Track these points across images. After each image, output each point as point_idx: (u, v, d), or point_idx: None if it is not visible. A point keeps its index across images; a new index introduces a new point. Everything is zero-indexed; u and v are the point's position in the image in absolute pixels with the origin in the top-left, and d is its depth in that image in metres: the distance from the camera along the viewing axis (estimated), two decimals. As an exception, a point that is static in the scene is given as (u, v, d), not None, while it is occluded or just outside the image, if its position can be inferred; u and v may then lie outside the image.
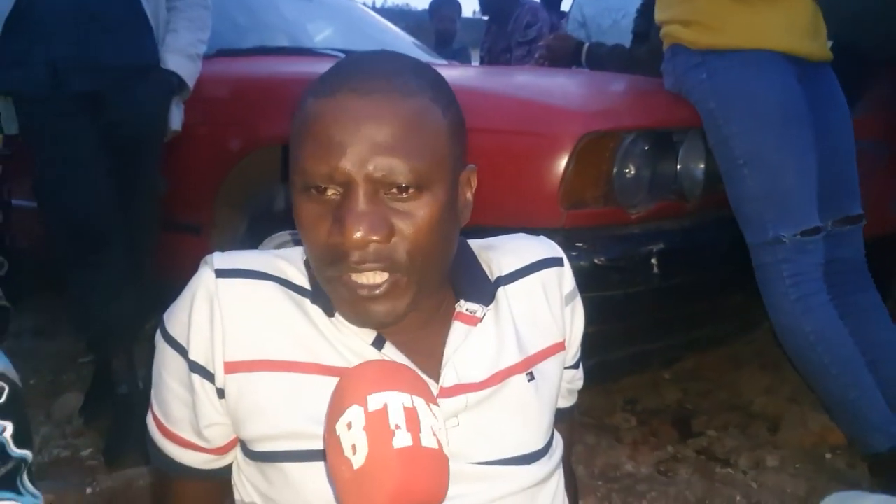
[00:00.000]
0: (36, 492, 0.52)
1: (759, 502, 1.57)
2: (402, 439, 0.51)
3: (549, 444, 0.75)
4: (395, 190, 0.63)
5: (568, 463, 0.84)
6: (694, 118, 1.67)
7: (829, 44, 1.76)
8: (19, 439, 0.52)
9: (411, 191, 0.64)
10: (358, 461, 0.51)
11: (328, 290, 0.68)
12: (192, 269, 0.73)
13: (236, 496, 0.75)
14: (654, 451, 1.78)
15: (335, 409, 0.54)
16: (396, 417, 0.52)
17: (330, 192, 0.64)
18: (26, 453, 0.52)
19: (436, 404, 0.55)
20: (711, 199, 1.71)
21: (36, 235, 2.16)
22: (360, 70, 0.66)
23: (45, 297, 2.41)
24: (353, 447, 0.51)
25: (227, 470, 0.75)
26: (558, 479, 0.76)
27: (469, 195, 0.73)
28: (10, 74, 1.72)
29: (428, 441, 0.52)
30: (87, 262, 1.78)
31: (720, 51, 1.63)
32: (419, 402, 0.53)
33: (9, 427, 0.51)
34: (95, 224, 1.77)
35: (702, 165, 1.69)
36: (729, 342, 2.15)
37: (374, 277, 0.64)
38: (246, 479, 0.73)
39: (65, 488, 1.57)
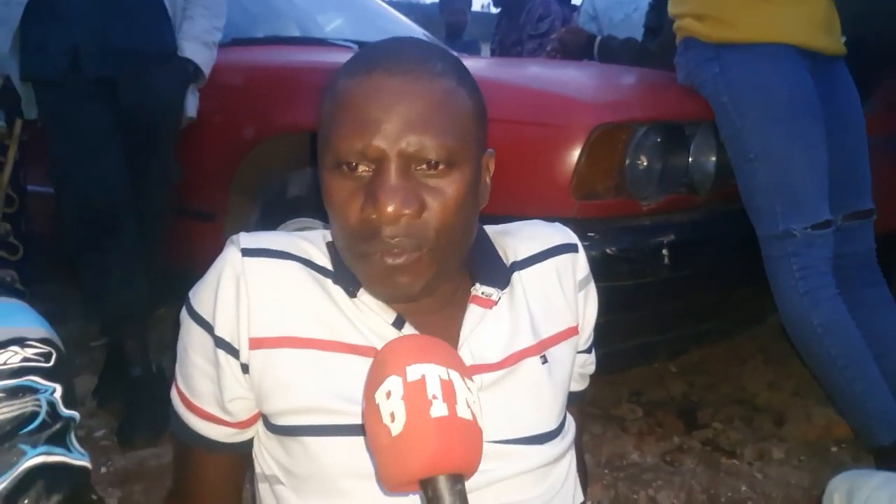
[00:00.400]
0: (83, 451, 0.55)
1: (764, 493, 1.59)
2: (438, 409, 0.53)
3: (562, 425, 0.77)
4: (424, 166, 0.66)
5: (579, 445, 0.86)
6: (706, 112, 1.68)
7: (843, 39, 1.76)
8: (67, 400, 0.55)
9: (441, 167, 0.66)
10: (396, 428, 0.53)
11: (356, 266, 0.69)
12: (206, 256, 0.74)
13: (257, 469, 0.77)
14: (659, 441, 1.80)
15: (375, 379, 0.56)
16: (434, 388, 0.54)
17: (361, 168, 0.66)
18: (74, 414, 0.55)
19: (470, 379, 0.57)
20: (722, 193, 1.72)
21: (51, 221, 2.19)
22: (392, 52, 0.68)
23: (57, 282, 2.44)
24: (392, 415, 0.53)
25: (249, 444, 0.77)
26: (570, 460, 0.78)
27: (488, 179, 0.75)
28: (31, 59, 1.74)
29: (463, 412, 0.54)
30: (101, 246, 1.80)
31: (733, 44, 1.64)
32: (455, 376, 0.55)
33: (58, 388, 0.54)
34: (109, 208, 1.79)
35: (713, 159, 1.70)
36: (736, 335, 2.16)
37: (401, 252, 0.66)
38: (267, 453, 0.75)
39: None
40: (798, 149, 1.61)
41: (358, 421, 0.67)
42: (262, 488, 0.76)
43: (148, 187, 1.87)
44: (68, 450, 0.52)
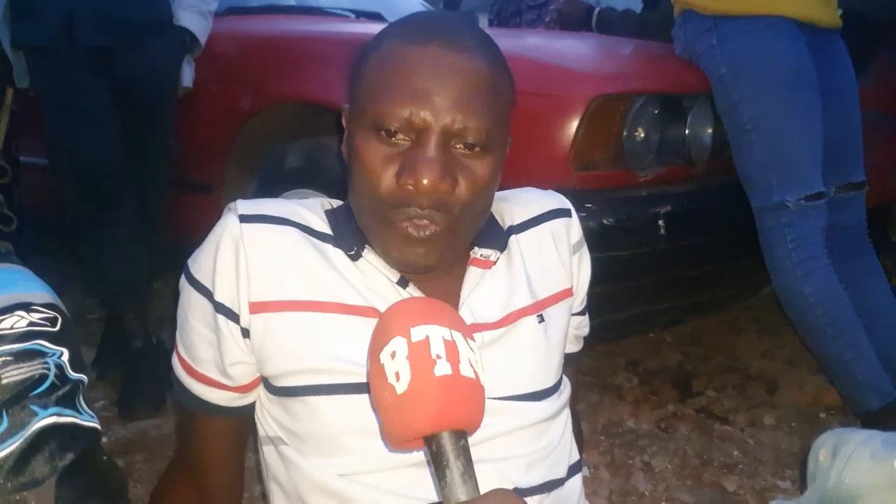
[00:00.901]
0: (91, 413, 0.56)
1: (756, 457, 1.62)
2: (442, 368, 0.54)
3: (558, 383, 0.79)
4: (461, 146, 0.67)
5: (574, 408, 0.88)
6: (703, 84, 1.68)
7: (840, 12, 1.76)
8: (74, 364, 0.55)
9: (477, 149, 0.68)
10: (401, 387, 0.54)
11: (376, 229, 0.70)
12: (203, 228, 0.75)
13: (260, 432, 0.79)
14: (654, 409, 1.83)
15: (379, 340, 0.57)
16: (437, 348, 0.55)
17: (399, 136, 0.67)
18: (82, 377, 0.56)
19: (472, 339, 0.58)
20: (718, 165, 1.73)
21: (44, 192, 2.17)
22: (450, 27, 0.69)
23: (53, 255, 2.43)
24: (397, 374, 0.54)
25: (250, 409, 0.78)
26: (566, 418, 0.80)
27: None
28: (23, 27, 1.71)
29: (466, 371, 0.55)
30: (101, 221, 1.79)
31: (731, 16, 1.63)
32: (458, 336, 0.57)
33: (65, 352, 0.55)
34: (108, 182, 1.77)
35: (710, 131, 1.70)
36: (730, 306, 2.18)
37: (426, 224, 0.68)
38: (269, 415, 0.76)
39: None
40: (794, 121, 1.62)
41: (358, 380, 0.69)
42: (267, 450, 0.78)
43: (146, 159, 1.86)
44: (78, 411, 0.53)
